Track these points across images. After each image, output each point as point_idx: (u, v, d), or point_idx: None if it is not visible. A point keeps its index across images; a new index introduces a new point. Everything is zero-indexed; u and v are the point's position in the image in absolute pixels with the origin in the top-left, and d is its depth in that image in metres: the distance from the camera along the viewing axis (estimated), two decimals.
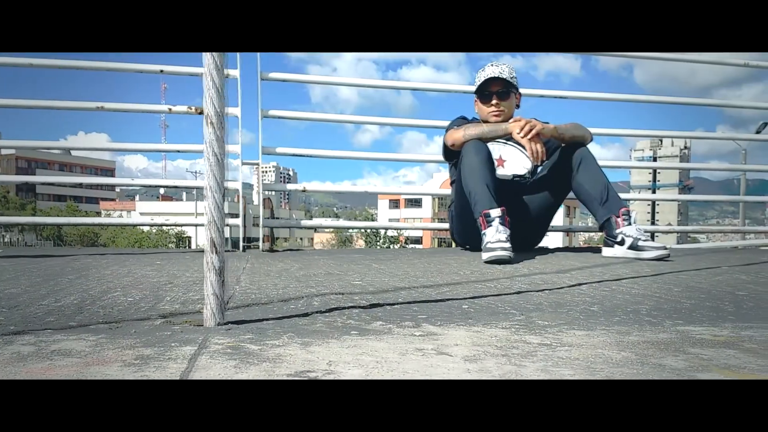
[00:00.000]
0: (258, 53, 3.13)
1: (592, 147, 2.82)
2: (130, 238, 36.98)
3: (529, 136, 2.49)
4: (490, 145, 2.80)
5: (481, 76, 2.74)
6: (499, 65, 2.74)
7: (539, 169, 2.80)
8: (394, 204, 61.66)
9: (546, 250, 2.97)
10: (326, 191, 3.78)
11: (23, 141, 3.31)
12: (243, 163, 3.17)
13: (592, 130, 3.85)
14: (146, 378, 0.64)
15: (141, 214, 45.26)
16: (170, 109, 3.11)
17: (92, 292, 1.39)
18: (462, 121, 2.88)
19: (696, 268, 2.10)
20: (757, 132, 17.34)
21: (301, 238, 55.31)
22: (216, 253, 0.98)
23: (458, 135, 2.64)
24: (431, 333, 0.95)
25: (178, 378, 0.63)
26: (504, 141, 2.76)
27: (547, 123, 2.66)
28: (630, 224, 2.49)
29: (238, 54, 3.14)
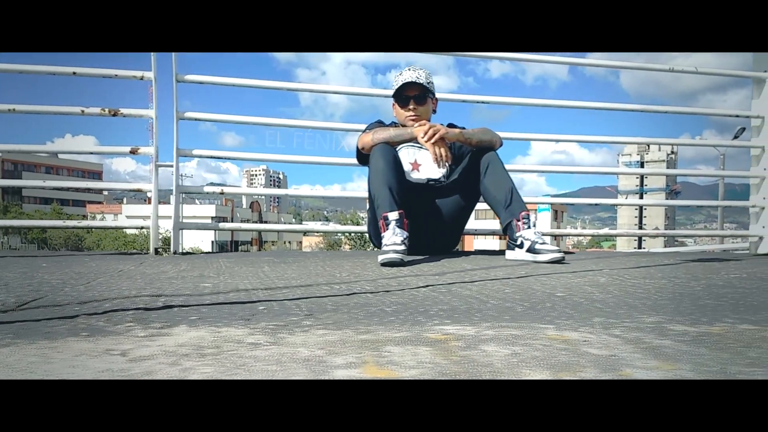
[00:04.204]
0: (173, 53, 3.13)
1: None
2: (117, 241, 36.79)
3: (432, 141, 2.50)
4: (407, 150, 2.80)
5: (399, 81, 2.75)
6: (417, 70, 2.76)
7: (454, 172, 2.80)
8: None
9: (459, 253, 2.97)
10: (245, 193, 3.76)
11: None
12: (157, 165, 3.16)
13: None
14: None
15: (127, 217, 45.14)
16: (83, 111, 3.09)
17: None
18: (377, 125, 2.88)
19: (573, 270, 2.10)
20: (735, 137, 17.62)
21: (289, 242, 55.13)
22: None
23: (367, 139, 2.64)
24: (162, 334, 0.94)
25: None
26: (419, 145, 2.77)
27: (463, 128, 2.66)
28: (529, 227, 2.50)
29: (153, 54, 3.13)
